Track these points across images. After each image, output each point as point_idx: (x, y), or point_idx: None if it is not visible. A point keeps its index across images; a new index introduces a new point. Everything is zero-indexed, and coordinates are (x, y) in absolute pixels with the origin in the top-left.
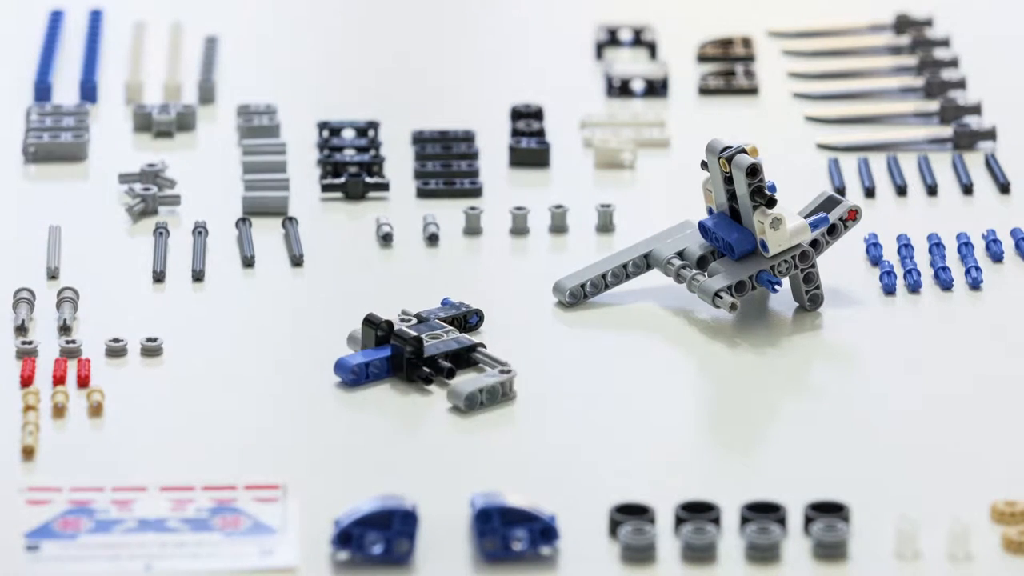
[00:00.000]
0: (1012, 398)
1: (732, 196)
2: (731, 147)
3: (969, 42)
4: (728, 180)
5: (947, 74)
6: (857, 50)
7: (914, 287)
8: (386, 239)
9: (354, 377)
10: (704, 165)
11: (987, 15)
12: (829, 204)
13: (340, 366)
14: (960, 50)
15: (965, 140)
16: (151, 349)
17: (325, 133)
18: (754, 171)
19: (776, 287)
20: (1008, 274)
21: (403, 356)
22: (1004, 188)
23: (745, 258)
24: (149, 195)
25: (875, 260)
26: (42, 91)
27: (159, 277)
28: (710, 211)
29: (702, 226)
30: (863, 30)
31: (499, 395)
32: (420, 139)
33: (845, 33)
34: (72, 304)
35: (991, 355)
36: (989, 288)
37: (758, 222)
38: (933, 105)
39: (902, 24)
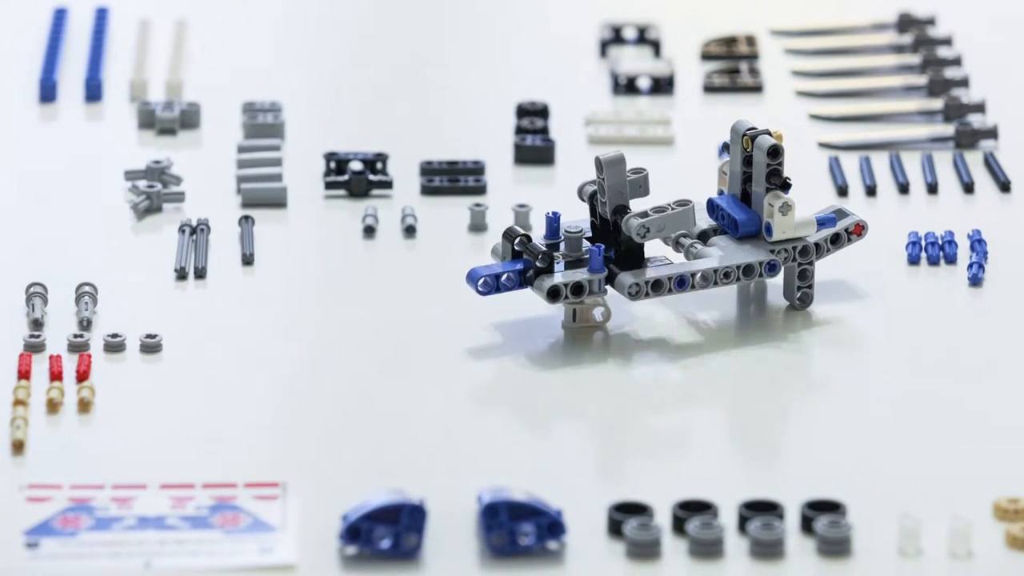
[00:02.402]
0: (1014, 394)
1: (748, 179)
2: (756, 128)
3: (972, 41)
4: (747, 162)
5: (950, 73)
6: (860, 49)
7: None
8: (368, 231)
9: (484, 289)
10: (726, 147)
11: (990, 14)
12: (838, 215)
13: (470, 276)
14: (963, 49)
15: (967, 139)
16: (150, 346)
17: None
18: (775, 152)
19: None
20: (1009, 271)
21: (533, 268)
22: (1005, 187)
23: (746, 239)
24: (154, 192)
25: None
26: (47, 89)
27: (182, 275)
28: (721, 193)
29: (711, 203)
30: (866, 29)
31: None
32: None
33: (848, 32)
34: (92, 299)
35: (992, 351)
36: (990, 285)
37: (768, 204)
38: (937, 103)
39: (905, 23)
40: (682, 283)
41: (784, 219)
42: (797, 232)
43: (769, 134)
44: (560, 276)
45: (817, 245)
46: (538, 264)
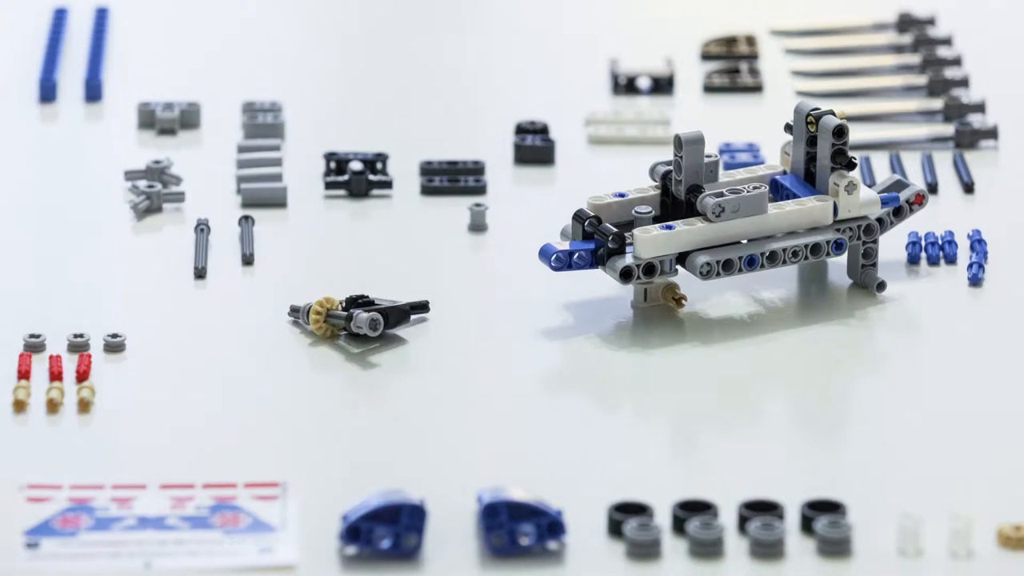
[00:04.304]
0: (1014, 394)
1: (811, 160)
2: (820, 108)
3: (972, 41)
4: (810, 141)
5: (950, 73)
6: (860, 49)
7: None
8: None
9: (557, 265)
10: (788, 128)
11: (989, 14)
12: (897, 187)
13: (544, 252)
14: (963, 49)
15: (967, 139)
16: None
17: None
18: (840, 132)
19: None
20: (1009, 271)
21: (605, 248)
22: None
23: None
24: (154, 192)
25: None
26: (47, 89)
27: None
28: (784, 173)
29: (774, 182)
30: (866, 29)
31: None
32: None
33: (848, 32)
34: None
35: (992, 351)
36: (989, 285)
37: (833, 184)
38: (937, 103)
39: (905, 23)
40: (751, 263)
41: (849, 198)
42: (861, 211)
43: (833, 114)
44: (631, 257)
45: (880, 220)
46: (610, 245)
